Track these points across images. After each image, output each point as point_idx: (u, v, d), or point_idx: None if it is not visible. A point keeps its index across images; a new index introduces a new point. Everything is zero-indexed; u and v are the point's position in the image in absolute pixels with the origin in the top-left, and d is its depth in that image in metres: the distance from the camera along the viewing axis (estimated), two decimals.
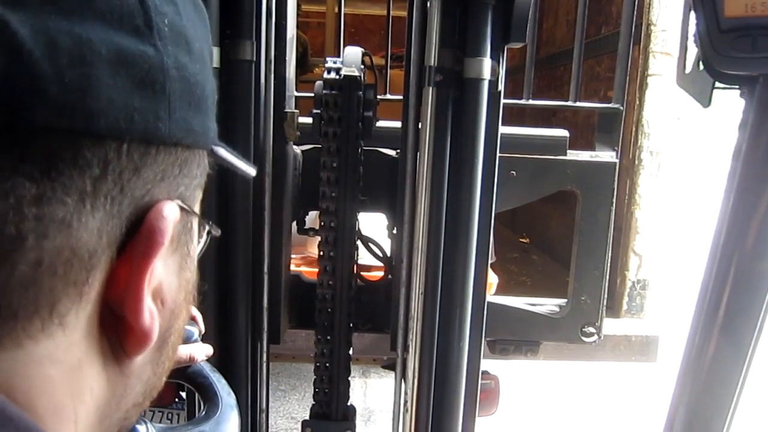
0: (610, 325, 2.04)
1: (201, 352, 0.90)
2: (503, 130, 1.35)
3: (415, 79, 1.35)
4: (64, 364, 0.37)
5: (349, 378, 1.58)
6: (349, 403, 1.59)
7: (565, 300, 1.66)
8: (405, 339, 1.43)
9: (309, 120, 1.49)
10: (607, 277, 1.63)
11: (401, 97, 1.43)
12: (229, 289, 1.43)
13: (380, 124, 1.54)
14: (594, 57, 2.92)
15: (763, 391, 2.62)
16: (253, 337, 1.47)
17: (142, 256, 0.39)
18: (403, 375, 1.46)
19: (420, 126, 1.33)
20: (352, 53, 1.50)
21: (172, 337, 0.45)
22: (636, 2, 1.63)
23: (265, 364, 1.50)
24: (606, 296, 1.64)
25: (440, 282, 1.33)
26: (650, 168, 2.12)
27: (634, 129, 2.13)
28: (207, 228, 0.49)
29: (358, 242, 1.57)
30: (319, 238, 1.51)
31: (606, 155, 1.64)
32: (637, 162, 2.10)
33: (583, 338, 1.67)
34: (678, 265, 4.25)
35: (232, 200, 1.40)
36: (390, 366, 1.88)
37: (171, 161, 0.40)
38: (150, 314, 0.40)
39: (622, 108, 1.66)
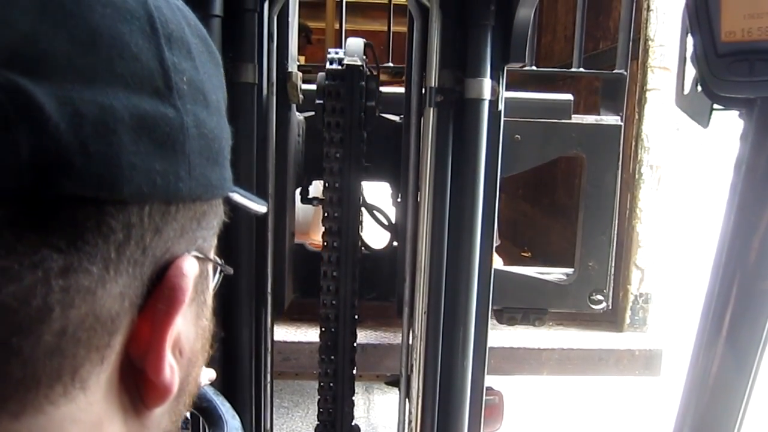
0: (613, 340, 2.03)
1: (204, 376, 0.91)
2: (506, 94, 1.34)
3: (415, 99, 1.36)
4: (86, 423, 0.37)
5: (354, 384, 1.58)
6: (353, 423, 1.59)
7: (573, 269, 1.64)
8: (409, 357, 1.43)
9: (312, 87, 1.47)
10: (615, 242, 1.60)
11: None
12: (232, 261, 1.41)
13: (384, 89, 1.53)
14: (595, 65, 2.93)
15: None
16: (257, 336, 1.45)
17: (163, 315, 0.39)
18: (407, 392, 1.46)
19: (421, 146, 1.34)
20: (355, 43, 1.51)
21: (190, 385, 0.45)
22: (633, 10, 1.64)
23: (269, 385, 1.50)
24: (614, 263, 1.61)
25: (446, 254, 1.32)
26: (650, 182, 2.12)
27: (633, 143, 2.13)
28: (219, 267, 0.49)
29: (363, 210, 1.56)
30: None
31: (611, 119, 1.63)
32: (637, 176, 2.10)
33: (592, 306, 1.64)
34: (681, 278, 4.25)
35: (235, 127, 1.36)
36: (393, 383, 1.87)
37: (190, 216, 0.40)
38: (170, 368, 0.40)
39: (625, 74, 1.66)
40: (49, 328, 0.33)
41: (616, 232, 1.60)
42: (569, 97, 1.64)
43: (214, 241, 0.46)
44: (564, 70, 1.77)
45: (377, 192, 1.67)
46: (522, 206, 3.70)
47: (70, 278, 0.33)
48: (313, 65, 1.59)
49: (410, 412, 1.43)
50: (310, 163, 1.63)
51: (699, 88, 0.82)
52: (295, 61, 1.54)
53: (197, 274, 0.41)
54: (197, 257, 0.41)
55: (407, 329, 1.45)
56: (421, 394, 1.38)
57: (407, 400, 1.48)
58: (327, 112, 1.43)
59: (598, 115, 1.65)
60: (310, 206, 1.71)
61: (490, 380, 1.51)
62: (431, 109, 1.29)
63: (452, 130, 1.30)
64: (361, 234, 1.56)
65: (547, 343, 1.95)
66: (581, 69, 1.72)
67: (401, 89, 1.46)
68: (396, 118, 1.61)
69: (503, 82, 1.33)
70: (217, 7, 1.31)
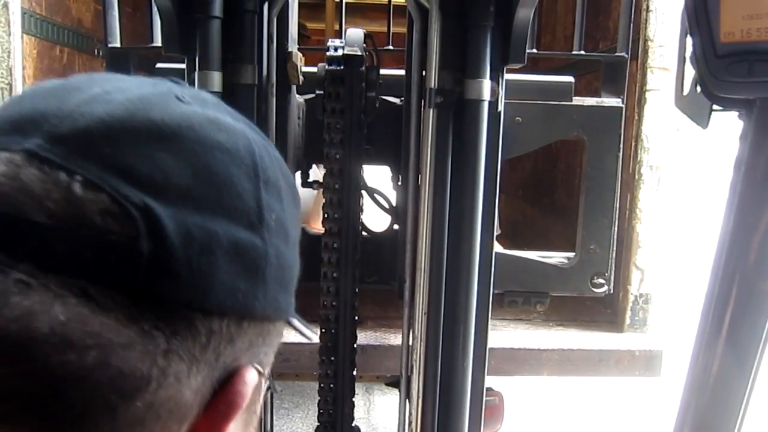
0: (613, 340, 2.03)
1: None
2: (507, 76, 1.34)
3: (415, 100, 1.36)
4: None
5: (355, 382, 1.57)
6: (354, 424, 1.59)
7: (574, 253, 1.63)
8: (409, 358, 1.43)
9: (312, 69, 1.47)
10: (616, 225, 1.59)
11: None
12: None
13: (384, 71, 1.53)
14: (592, 72, 2.94)
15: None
16: None
17: (222, 416, 0.44)
18: (408, 393, 1.46)
19: (421, 147, 1.34)
20: (355, 33, 1.51)
21: None
22: (633, 9, 1.64)
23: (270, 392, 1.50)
24: (615, 246, 1.60)
25: (446, 236, 1.32)
26: (650, 182, 2.12)
27: (633, 143, 2.13)
28: (267, 384, 0.53)
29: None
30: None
31: (612, 101, 1.62)
32: (637, 176, 2.11)
33: (593, 289, 1.64)
34: (681, 279, 4.25)
35: None
36: (393, 383, 1.88)
37: (257, 333, 0.46)
38: None
39: (626, 56, 1.65)
40: (142, 397, 0.39)
41: (617, 215, 1.59)
42: (570, 79, 1.62)
43: (272, 359, 0.51)
44: (566, 54, 1.75)
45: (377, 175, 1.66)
46: (522, 207, 3.70)
47: (169, 361, 0.40)
48: (314, 48, 1.57)
49: (410, 413, 1.43)
50: (310, 146, 1.63)
51: (698, 88, 0.82)
52: (294, 42, 1.53)
53: (256, 384, 0.46)
54: (258, 370, 0.47)
55: (407, 329, 1.45)
56: (421, 395, 1.38)
57: (407, 401, 1.48)
58: (327, 98, 1.42)
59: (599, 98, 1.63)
60: (309, 193, 1.71)
61: (490, 381, 1.51)
62: (431, 110, 1.29)
63: (452, 130, 1.30)
64: (362, 217, 1.55)
65: (547, 343, 1.95)
66: (582, 52, 1.71)
67: (401, 71, 1.45)
68: (396, 100, 1.61)
69: (503, 83, 1.33)
70: (217, 9, 1.31)
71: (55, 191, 0.37)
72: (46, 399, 0.36)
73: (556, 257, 1.66)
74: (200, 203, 0.41)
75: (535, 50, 1.70)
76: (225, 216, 0.42)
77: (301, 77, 1.48)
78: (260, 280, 0.44)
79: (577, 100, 1.59)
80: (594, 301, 2.43)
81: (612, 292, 1.64)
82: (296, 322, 0.54)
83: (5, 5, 1.97)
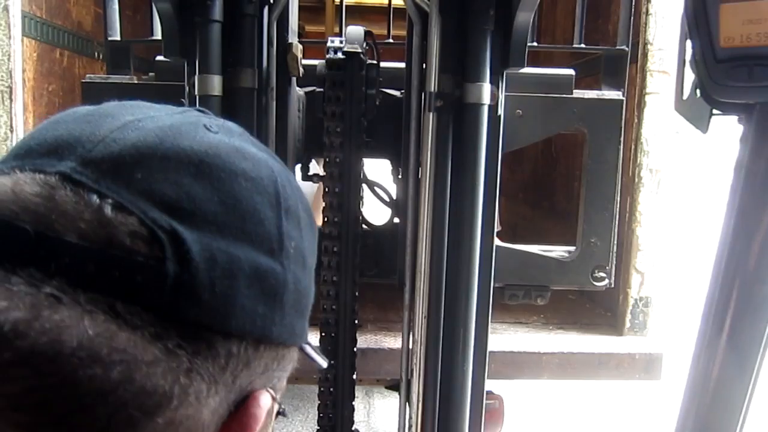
0: (614, 343, 2.03)
1: None
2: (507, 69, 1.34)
3: (415, 104, 1.36)
4: None
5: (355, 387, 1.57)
6: (354, 427, 1.59)
7: (575, 246, 1.63)
8: (409, 361, 1.43)
9: (314, 61, 1.47)
10: (617, 218, 1.58)
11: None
12: None
13: (384, 64, 1.53)
14: (592, 75, 2.94)
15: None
16: None
17: None
18: (408, 396, 1.46)
19: (421, 150, 1.34)
20: (355, 30, 1.51)
21: None
22: (632, 9, 1.64)
23: None
24: (616, 238, 1.59)
25: (447, 218, 1.32)
26: (650, 185, 2.12)
27: (633, 147, 2.14)
28: (278, 408, 0.55)
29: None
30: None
31: (612, 94, 1.62)
32: (636, 180, 2.11)
33: (594, 282, 1.62)
34: (681, 282, 4.24)
35: None
36: (393, 387, 1.87)
37: (272, 357, 0.47)
38: None
39: (627, 49, 1.65)
40: (164, 414, 0.40)
41: (618, 208, 1.59)
42: (571, 72, 1.62)
43: (284, 384, 0.53)
44: (566, 47, 1.74)
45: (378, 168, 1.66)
46: (522, 209, 3.70)
47: (191, 380, 0.41)
48: (314, 41, 1.56)
49: (410, 417, 1.42)
50: (310, 139, 1.63)
51: (698, 93, 0.82)
52: (295, 34, 1.53)
53: (269, 408, 0.48)
54: (271, 395, 0.48)
55: (407, 332, 1.45)
56: (421, 399, 1.38)
57: (407, 404, 1.48)
58: (327, 102, 1.42)
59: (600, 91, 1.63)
60: (310, 188, 1.70)
61: (490, 384, 1.50)
62: (431, 114, 1.29)
63: (452, 134, 1.30)
64: (362, 210, 1.55)
65: (547, 347, 1.95)
66: (582, 46, 1.70)
67: (401, 64, 1.44)
68: (397, 93, 1.61)
69: (503, 86, 1.33)
70: (217, 13, 1.31)
71: (87, 212, 0.39)
72: (71, 411, 0.37)
73: (557, 251, 1.66)
74: (224, 229, 0.43)
75: (535, 43, 1.70)
76: (247, 242, 0.44)
77: (301, 69, 1.47)
78: (278, 306, 0.46)
79: (578, 93, 1.58)
80: (594, 304, 2.43)
81: (613, 285, 1.63)
82: (309, 349, 0.55)
83: (5, 8, 1.97)
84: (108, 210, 0.39)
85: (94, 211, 0.39)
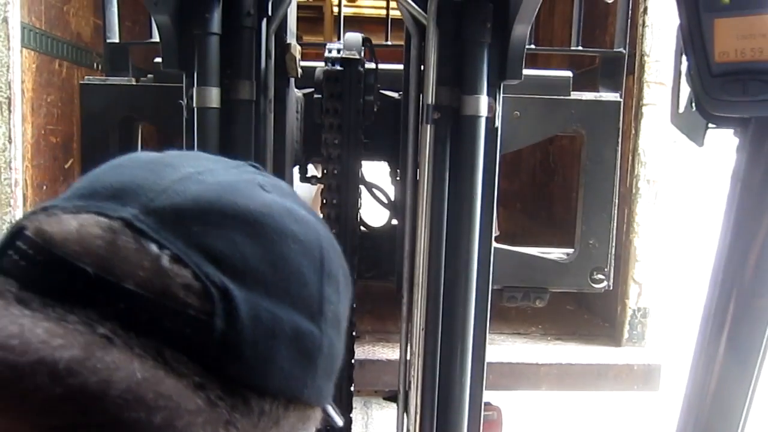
0: (612, 354, 2.03)
1: None
2: None
3: (413, 116, 1.37)
4: None
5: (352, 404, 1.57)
6: None
7: (573, 248, 1.62)
8: (407, 372, 1.43)
9: (313, 63, 1.47)
10: (615, 220, 1.58)
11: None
12: None
13: (383, 66, 1.54)
14: (589, 87, 2.95)
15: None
16: None
17: None
18: (406, 407, 1.46)
19: (419, 162, 1.34)
20: (353, 37, 1.52)
21: None
22: (629, 13, 1.64)
23: None
24: (615, 241, 1.59)
25: (445, 229, 1.32)
26: (647, 196, 2.13)
27: (630, 158, 2.14)
28: None
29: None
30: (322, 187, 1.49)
31: (610, 95, 1.62)
32: (634, 191, 2.11)
33: (593, 284, 1.62)
34: (678, 292, 4.24)
35: (232, 144, 1.38)
36: (391, 398, 1.87)
37: (299, 417, 0.48)
38: None
39: (624, 51, 1.65)
40: None
41: (616, 210, 1.59)
42: (568, 73, 1.63)
43: None
44: (564, 50, 1.75)
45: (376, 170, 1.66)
46: (520, 219, 3.71)
47: (228, 430, 0.42)
48: (314, 43, 1.57)
49: (408, 428, 1.42)
50: (309, 141, 1.63)
51: (693, 106, 0.83)
52: (293, 35, 1.53)
53: None
54: None
55: (405, 344, 1.45)
56: (419, 410, 1.38)
57: (405, 415, 1.47)
58: (326, 113, 1.42)
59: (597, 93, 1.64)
60: (308, 190, 1.69)
61: (488, 395, 1.50)
62: (428, 126, 1.30)
63: (450, 146, 1.30)
64: (360, 212, 1.55)
65: (545, 358, 1.95)
66: (579, 48, 1.71)
67: (400, 66, 1.45)
68: (395, 95, 1.61)
69: (500, 98, 1.34)
70: (216, 25, 1.32)
71: (146, 261, 0.41)
72: None
73: (556, 253, 1.66)
74: (271, 289, 0.44)
75: (533, 45, 1.70)
76: (290, 304, 0.45)
77: (299, 70, 1.47)
78: (311, 368, 0.47)
79: (575, 95, 1.59)
80: (592, 315, 2.43)
81: (611, 287, 1.63)
82: (330, 409, 0.56)
83: (5, 19, 1.98)
84: (165, 261, 0.41)
85: (153, 260, 0.41)
